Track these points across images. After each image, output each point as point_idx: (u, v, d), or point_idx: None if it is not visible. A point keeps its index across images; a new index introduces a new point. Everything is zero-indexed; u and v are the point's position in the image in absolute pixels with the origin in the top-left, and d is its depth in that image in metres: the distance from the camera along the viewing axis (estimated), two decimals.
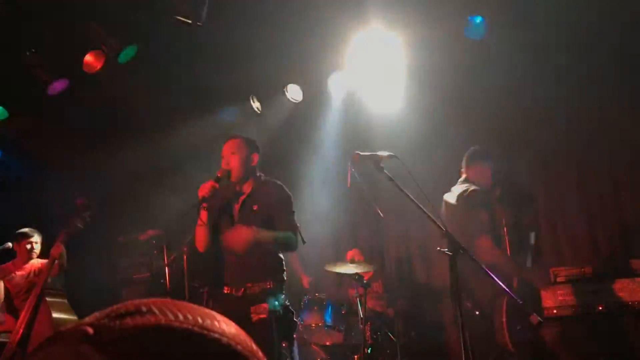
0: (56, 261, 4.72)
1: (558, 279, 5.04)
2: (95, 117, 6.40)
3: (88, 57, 5.49)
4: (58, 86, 5.64)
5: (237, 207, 3.79)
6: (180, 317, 0.54)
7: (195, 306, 0.57)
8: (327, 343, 5.25)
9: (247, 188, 3.79)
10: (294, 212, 3.78)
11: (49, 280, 4.79)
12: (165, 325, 0.53)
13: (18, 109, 6.20)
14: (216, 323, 0.56)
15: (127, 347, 0.52)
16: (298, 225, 3.73)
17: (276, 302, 3.52)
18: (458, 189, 4.31)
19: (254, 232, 3.48)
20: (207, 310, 0.57)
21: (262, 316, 3.47)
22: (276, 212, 3.70)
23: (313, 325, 5.21)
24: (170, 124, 6.42)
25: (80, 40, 5.41)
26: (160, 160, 6.39)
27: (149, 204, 6.43)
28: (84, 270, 6.22)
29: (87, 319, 0.55)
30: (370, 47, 5.65)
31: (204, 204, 3.62)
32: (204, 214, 3.66)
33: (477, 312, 3.87)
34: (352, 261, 5.86)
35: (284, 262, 3.79)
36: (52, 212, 5.97)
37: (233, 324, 0.58)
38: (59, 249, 4.73)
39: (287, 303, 3.72)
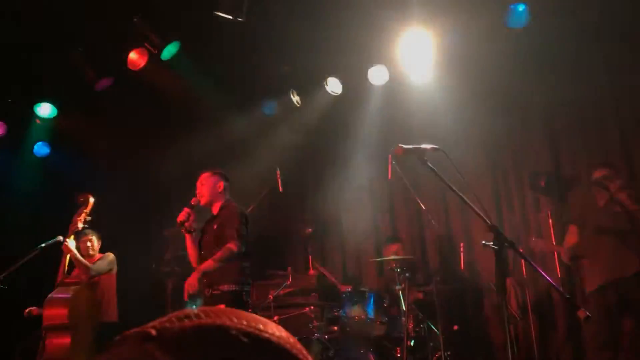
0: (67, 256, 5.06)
1: None
2: (141, 113, 6.55)
3: (132, 55, 5.62)
4: (104, 83, 5.79)
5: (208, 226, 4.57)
6: (235, 319, 0.59)
7: (248, 313, 0.62)
8: (370, 335, 5.26)
9: (215, 210, 4.56)
10: (238, 224, 4.35)
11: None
12: (220, 324, 0.58)
13: (67, 107, 6.39)
14: (266, 326, 0.61)
15: (186, 344, 0.57)
16: (241, 234, 4.31)
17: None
18: None
19: (198, 274, 4.20)
20: (258, 317, 0.62)
21: None
22: (223, 227, 4.39)
23: (356, 318, 5.22)
24: (212, 120, 6.51)
25: (124, 38, 5.53)
26: (204, 155, 6.49)
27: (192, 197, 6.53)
28: (131, 263, 6.39)
29: (149, 324, 0.60)
30: (410, 38, 5.60)
31: (183, 228, 4.41)
32: (187, 237, 4.46)
33: None
34: (394, 254, 5.86)
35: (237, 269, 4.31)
36: (100, 208, 6.13)
37: (282, 329, 0.62)
38: (65, 248, 5.03)
39: None
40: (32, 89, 6.15)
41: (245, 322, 0.59)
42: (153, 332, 0.58)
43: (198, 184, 4.60)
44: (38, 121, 6.50)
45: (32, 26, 5.11)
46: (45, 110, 6.36)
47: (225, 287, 4.23)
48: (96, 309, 5.20)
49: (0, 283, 4.77)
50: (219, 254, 4.21)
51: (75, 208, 5.14)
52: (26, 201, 6.31)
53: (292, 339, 0.62)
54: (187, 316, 0.59)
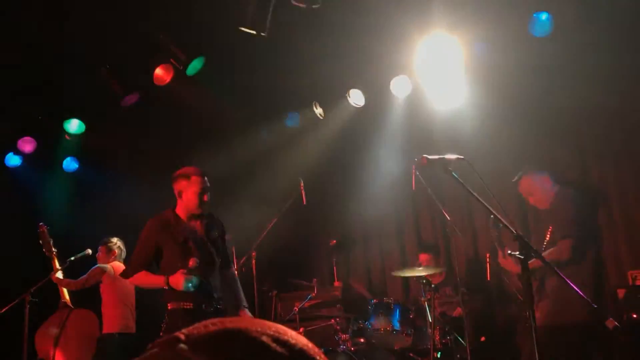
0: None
1: (637, 282, 4.84)
2: (168, 128, 6.65)
3: (158, 71, 5.72)
4: (131, 99, 5.91)
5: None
6: (257, 326, 0.64)
7: (269, 322, 0.67)
8: (396, 347, 5.23)
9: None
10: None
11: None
12: (244, 328, 0.63)
13: (95, 123, 6.52)
14: (287, 332, 0.66)
15: (214, 344, 0.62)
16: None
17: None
18: None
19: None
20: (277, 324, 0.67)
21: None
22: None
23: (381, 329, 5.20)
24: (237, 133, 6.58)
25: (150, 54, 5.64)
26: (229, 168, 6.55)
27: (217, 209, 6.60)
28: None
29: (183, 330, 0.65)
30: (433, 49, 5.60)
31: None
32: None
33: None
34: (419, 265, 5.82)
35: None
36: (127, 222, 6.23)
37: (303, 337, 0.67)
38: (55, 279, 5.42)
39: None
40: (61, 105, 6.30)
41: (266, 327, 0.64)
42: (182, 336, 0.62)
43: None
44: (67, 137, 6.65)
45: (60, 43, 5.24)
46: (74, 126, 6.51)
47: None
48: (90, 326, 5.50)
49: (31, 296, 4.90)
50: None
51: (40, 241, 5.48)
52: (56, 216, 6.44)
53: (312, 345, 0.66)
54: (213, 323, 0.64)
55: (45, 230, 5.48)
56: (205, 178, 4.12)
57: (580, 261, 4.26)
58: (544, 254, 4.29)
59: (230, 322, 0.63)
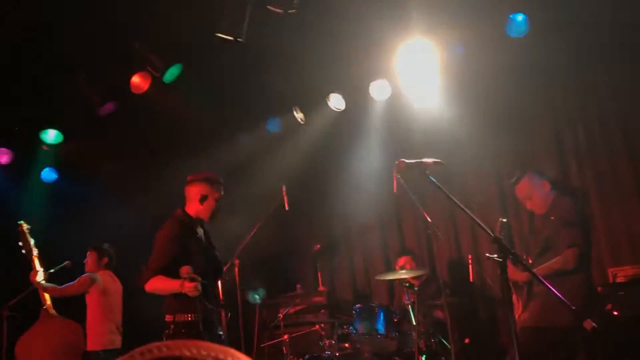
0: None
1: (617, 279, 4.87)
2: (147, 136, 6.59)
3: (135, 79, 5.68)
4: (108, 108, 5.85)
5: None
6: (195, 352, 0.62)
7: (210, 344, 0.65)
8: (381, 352, 5.22)
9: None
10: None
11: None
12: (176, 357, 0.63)
13: (73, 132, 6.45)
14: (226, 355, 0.64)
15: None
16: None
17: None
18: None
19: None
20: (227, 348, 0.62)
21: None
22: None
23: (366, 334, 5.19)
24: (217, 139, 6.54)
25: (127, 62, 5.60)
26: None
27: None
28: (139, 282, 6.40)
29: (121, 357, 0.64)
30: (411, 52, 5.62)
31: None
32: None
33: None
34: (402, 268, 5.83)
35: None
36: (107, 231, 6.17)
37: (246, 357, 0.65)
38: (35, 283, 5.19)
39: None
40: (38, 115, 6.21)
41: (204, 352, 0.61)
42: None
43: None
44: (45, 147, 6.56)
45: (35, 53, 5.17)
46: (51, 136, 6.43)
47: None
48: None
49: (9, 310, 4.81)
50: None
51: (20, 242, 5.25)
52: (35, 227, 6.36)
53: None
54: (149, 350, 0.61)
55: (25, 229, 5.25)
56: None
57: (580, 269, 4.28)
58: (547, 263, 4.30)
59: (167, 349, 0.61)
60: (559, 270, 4.11)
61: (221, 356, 0.61)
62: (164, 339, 3.71)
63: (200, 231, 4.02)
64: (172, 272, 3.68)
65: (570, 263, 4.19)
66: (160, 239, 3.85)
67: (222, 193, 4.05)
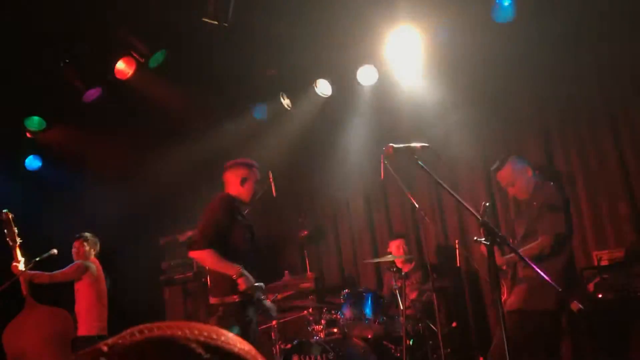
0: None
1: (602, 262, 4.93)
2: (132, 122, 6.53)
3: (119, 64, 5.60)
4: (92, 94, 5.78)
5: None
6: (187, 332, 0.62)
7: (207, 325, 0.65)
8: (369, 336, 5.24)
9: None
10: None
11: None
12: (171, 336, 0.61)
13: (57, 119, 6.36)
14: (221, 336, 0.63)
15: (138, 356, 0.60)
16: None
17: None
18: None
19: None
20: (217, 328, 0.64)
21: None
22: None
23: (354, 319, 5.21)
24: (204, 125, 6.50)
25: (111, 48, 5.52)
26: (196, 162, 6.48)
27: (186, 205, 6.53)
28: (128, 272, 6.37)
29: (105, 341, 0.63)
30: (398, 36, 5.60)
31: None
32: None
33: None
34: (389, 253, 5.85)
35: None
36: (94, 218, 6.12)
37: (244, 341, 0.65)
38: (16, 270, 5.02)
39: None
40: (20, 102, 6.12)
41: (197, 332, 0.61)
42: (105, 348, 0.60)
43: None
44: (29, 135, 6.47)
45: (17, 40, 5.08)
46: (34, 123, 6.34)
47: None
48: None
49: None
50: None
51: (5, 229, 5.08)
52: (19, 216, 6.29)
53: (248, 347, 0.64)
54: (140, 331, 0.62)
55: (10, 218, 5.12)
56: None
57: (560, 252, 4.30)
58: (525, 247, 4.31)
59: (158, 329, 0.60)
60: (536, 256, 4.13)
61: (214, 336, 0.60)
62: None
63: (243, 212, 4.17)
64: (221, 244, 3.82)
65: (547, 248, 4.21)
66: (210, 210, 3.98)
67: (259, 177, 4.26)
